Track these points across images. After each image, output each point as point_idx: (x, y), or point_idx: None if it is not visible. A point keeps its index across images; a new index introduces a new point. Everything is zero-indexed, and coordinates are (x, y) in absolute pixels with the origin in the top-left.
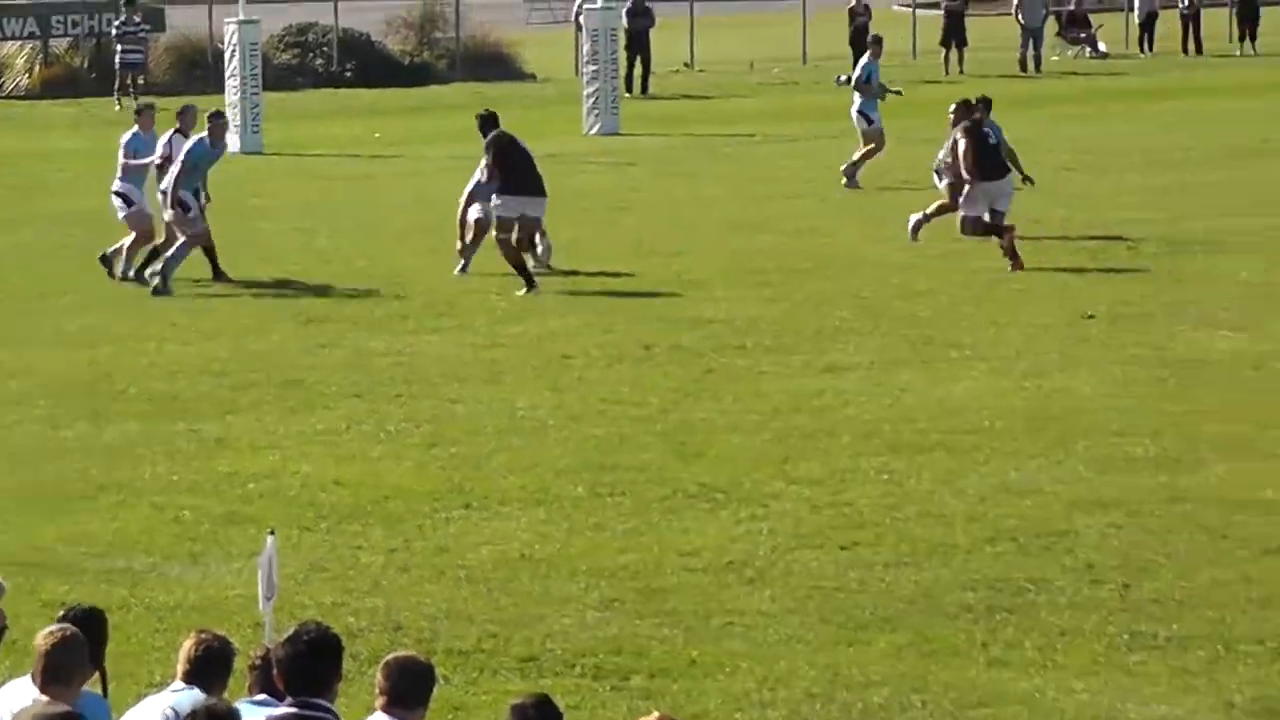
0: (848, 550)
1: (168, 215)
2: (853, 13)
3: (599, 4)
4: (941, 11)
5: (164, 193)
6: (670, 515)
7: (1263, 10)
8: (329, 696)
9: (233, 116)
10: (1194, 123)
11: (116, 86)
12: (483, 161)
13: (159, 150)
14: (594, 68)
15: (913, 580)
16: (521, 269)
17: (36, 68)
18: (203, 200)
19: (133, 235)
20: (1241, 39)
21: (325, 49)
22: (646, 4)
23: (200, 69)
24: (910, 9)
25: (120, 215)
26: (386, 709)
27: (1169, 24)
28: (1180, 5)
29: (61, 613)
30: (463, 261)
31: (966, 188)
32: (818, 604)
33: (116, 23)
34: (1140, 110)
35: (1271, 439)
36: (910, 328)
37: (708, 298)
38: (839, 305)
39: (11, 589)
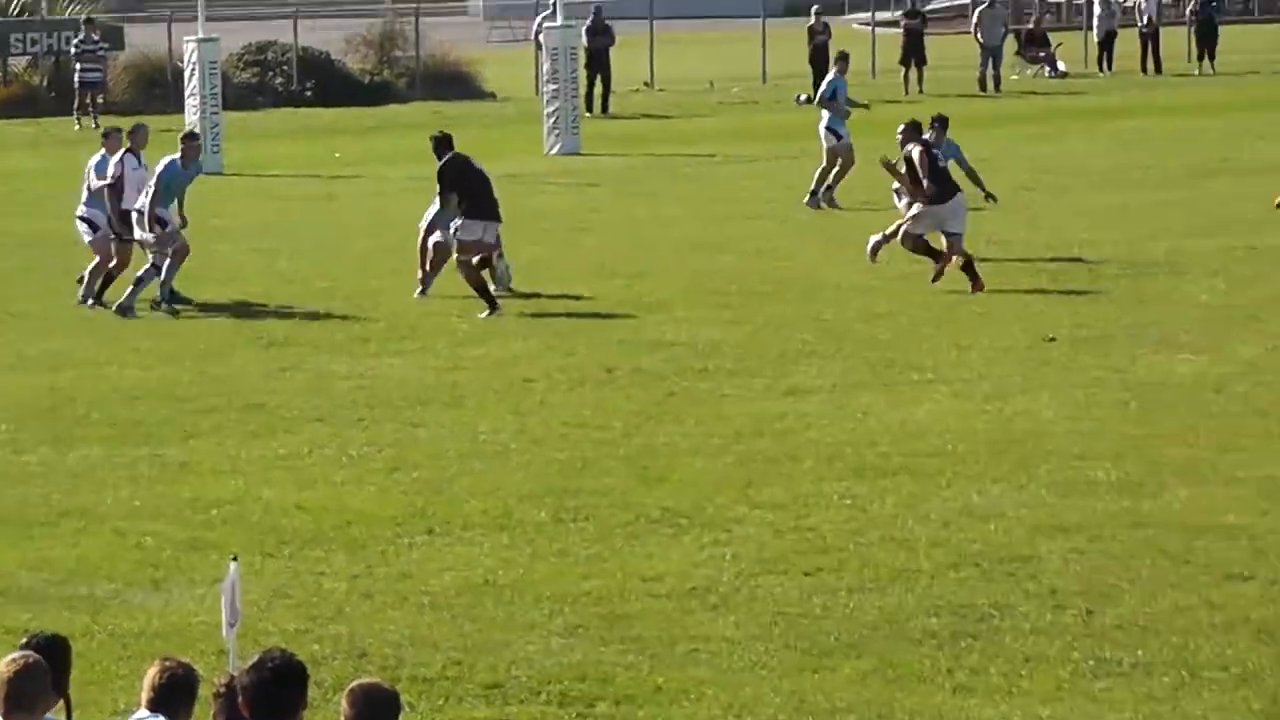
0: (812, 576)
1: (148, 236)
2: (812, 31)
3: (559, 22)
4: (901, 30)
5: (139, 213)
6: (633, 540)
7: (1221, 30)
8: None
9: None
10: (1153, 142)
11: (76, 106)
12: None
13: (110, 170)
14: (554, 87)
15: (877, 606)
16: (484, 291)
17: None
18: (178, 221)
19: (96, 260)
20: (1200, 58)
21: (285, 68)
22: (606, 22)
23: (160, 88)
24: (869, 28)
25: (86, 240)
26: None
27: (1128, 43)
28: (1139, 25)
29: (24, 640)
30: (422, 285)
31: (916, 205)
32: (782, 630)
33: (75, 41)
34: (1099, 129)
35: (1233, 463)
36: (872, 350)
37: (669, 320)
38: (800, 328)
39: None
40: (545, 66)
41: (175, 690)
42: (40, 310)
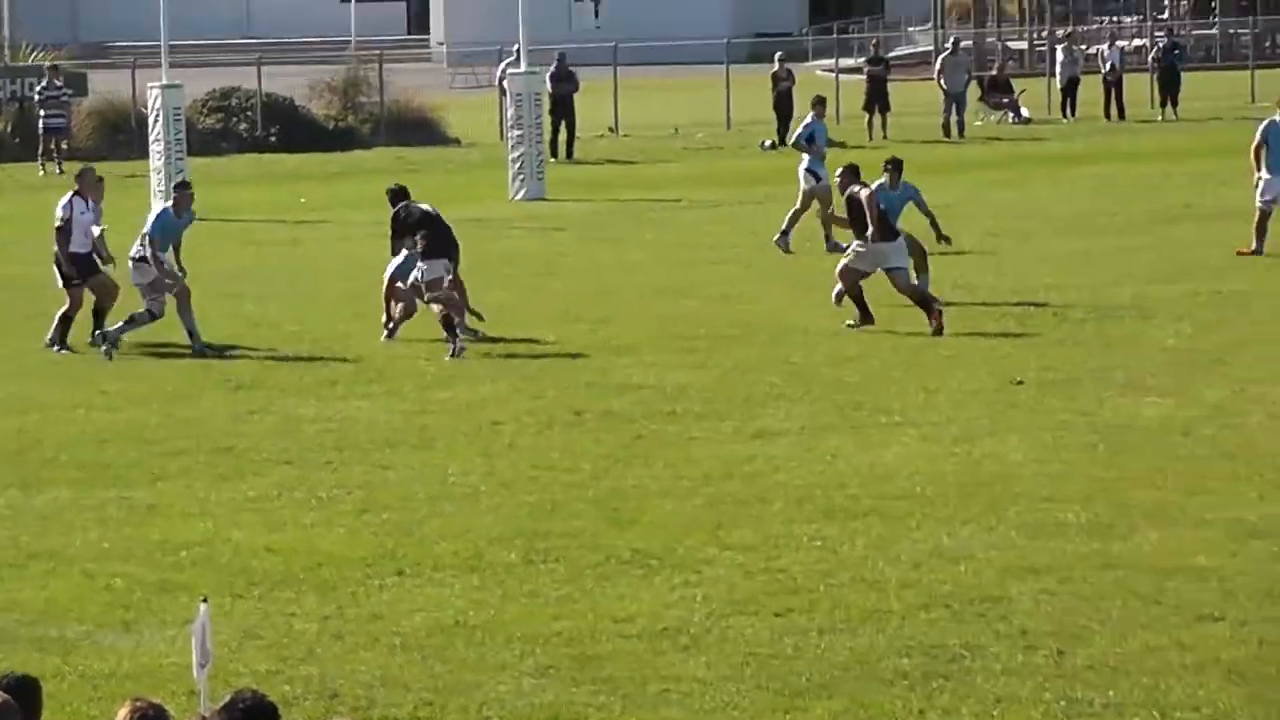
0: (782, 617)
1: (143, 281)
2: (776, 78)
3: (522, 69)
4: (864, 76)
5: (133, 260)
6: (604, 582)
7: (1184, 76)
8: None
9: (157, 182)
10: (1117, 188)
11: (40, 151)
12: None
13: (58, 213)
14: (519, 132)
15: (848, 647)
16: (451, 329)
17: None
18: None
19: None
20: (1163, 104)
21: (249, 113)
22: (570, 69)
23: (124, 133)
24: (833, 74)
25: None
26: None
27: (1091, 89)
28: (1102, 71)
29: None
30: (389, 330)
31: (858, 242)
32: (753, 671)
33: (39, 87)
34: (1063, 175)
35: (1201, 505)
36: (840, 393)
37: (636, 363)
38: (768, 371)
39: None
40: (510, 112)
41: None
42: (6, 353)
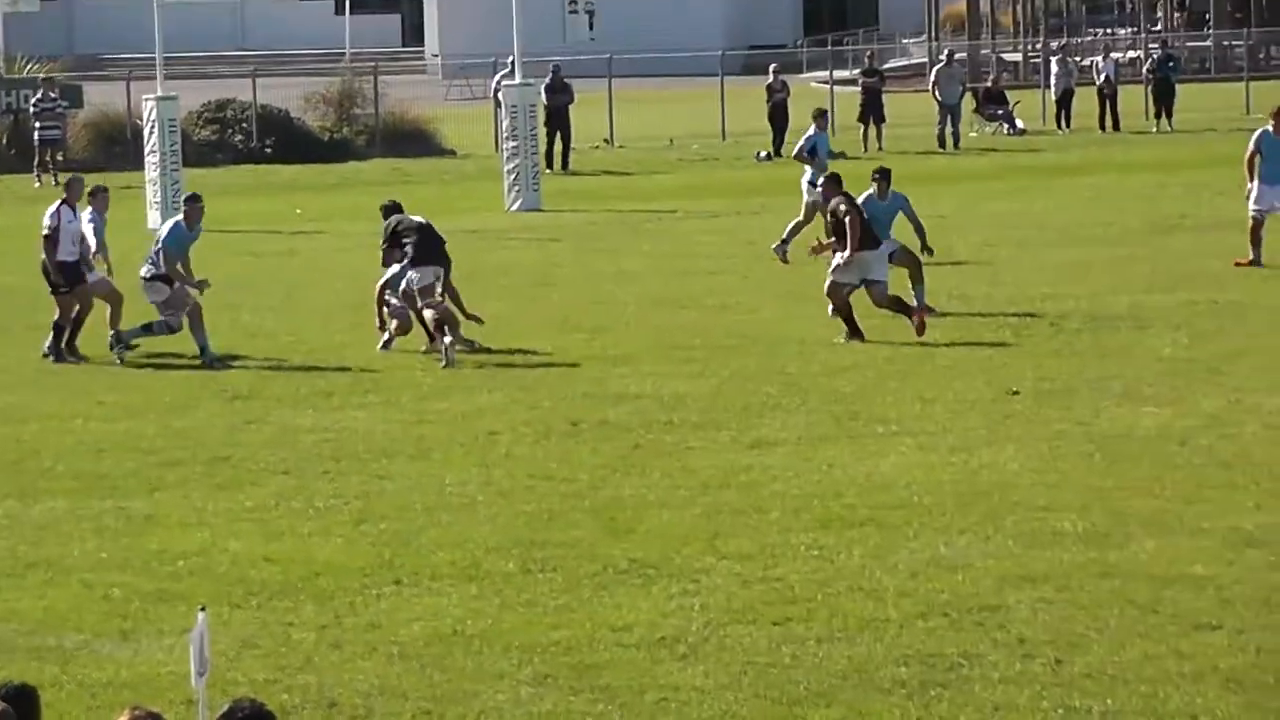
0: (780, 625)
1: (158, 297)
2: (770, 89)
3: (517, 81)
4: (859, 88)
5: (144, 278)
6: (601, 591)
7: (1178, 88)
8: None
9: (153, 193)
10: (1113, 198)
11: (36, 163)
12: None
13: (46, 222)
14: (514, 144)
15: (846, 655)
16: (443, 333)
17: None
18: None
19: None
20: (1158, 116)
21: (244, 125)
22: (565, 80)
23: (119, 145)
24: (828, 86)
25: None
26: None
27: (1086, 101)
28: (1097, 83)
29: None
30: (385, 342)
31: (840, 256)
32: (751, 679)
33: (34, 99)
34: (1059, 186)
35: (1198, 514)
36: (836, 403)
37: (633, 373)
38: (765, 381)
39: None
40: (505, 124)
41: None
42: (4, 364)
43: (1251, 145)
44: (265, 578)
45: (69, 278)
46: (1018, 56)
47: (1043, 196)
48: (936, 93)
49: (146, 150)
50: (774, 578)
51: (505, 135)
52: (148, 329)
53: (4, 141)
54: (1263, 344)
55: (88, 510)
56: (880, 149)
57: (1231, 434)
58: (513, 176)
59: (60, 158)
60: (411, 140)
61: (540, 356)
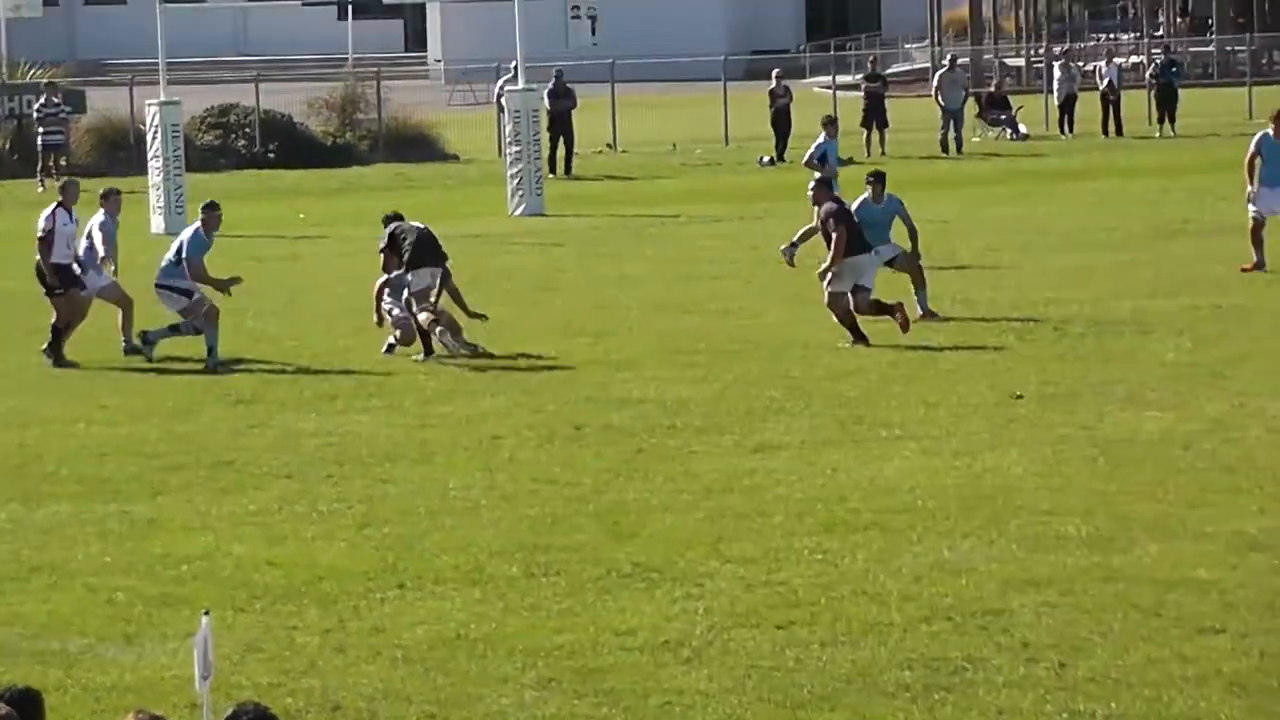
0: (784, 629)
1: (177, 305)
2: (773, 94)
3: (520, 86)
4: (862, 93)
5: (161, 287)
6: (605, 595)
7: (1181, 93)
8: None
9: (156, 198)
10: (1116, 203)
11: (39, 168)
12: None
13: (41, 224)
14: (517, 149)
15: (849, 659)
16: (426, 338)
17: None
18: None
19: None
20: (1161, 121)
21: (247, 130)
22: (568, 85)
23: (122, 150)
24: (830, 91)
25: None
26: None
27: (1089, 106)
28: (1100, 88)
29: None
30: (389, 342)
31: (824, 266)
32: (755, 683)
33: (37, 104)
34: (1062, 191)
35: (1202, 518)
36: (840, 407)
37: (637, 378)
38: (768, 385)
39: None
40: (508, 129)
41: None
42: (6, 368)
43: (1252, 148)
44: (269, 581)
45: (64, 280)
46: (1020, 61)
47: (1046, 201)
48: (939, 98)
49: (149, 155)
50: (778, 581)
51: (508, 140)
52: (174, 330)
53: (7, 147)
54: (1266, 348)
55: (91, 514)
56: (883, 154)
57: (1235, 438)
58: (516, 181)
59: (63, 163)
60: (414, 145)
61: (543, 361)
